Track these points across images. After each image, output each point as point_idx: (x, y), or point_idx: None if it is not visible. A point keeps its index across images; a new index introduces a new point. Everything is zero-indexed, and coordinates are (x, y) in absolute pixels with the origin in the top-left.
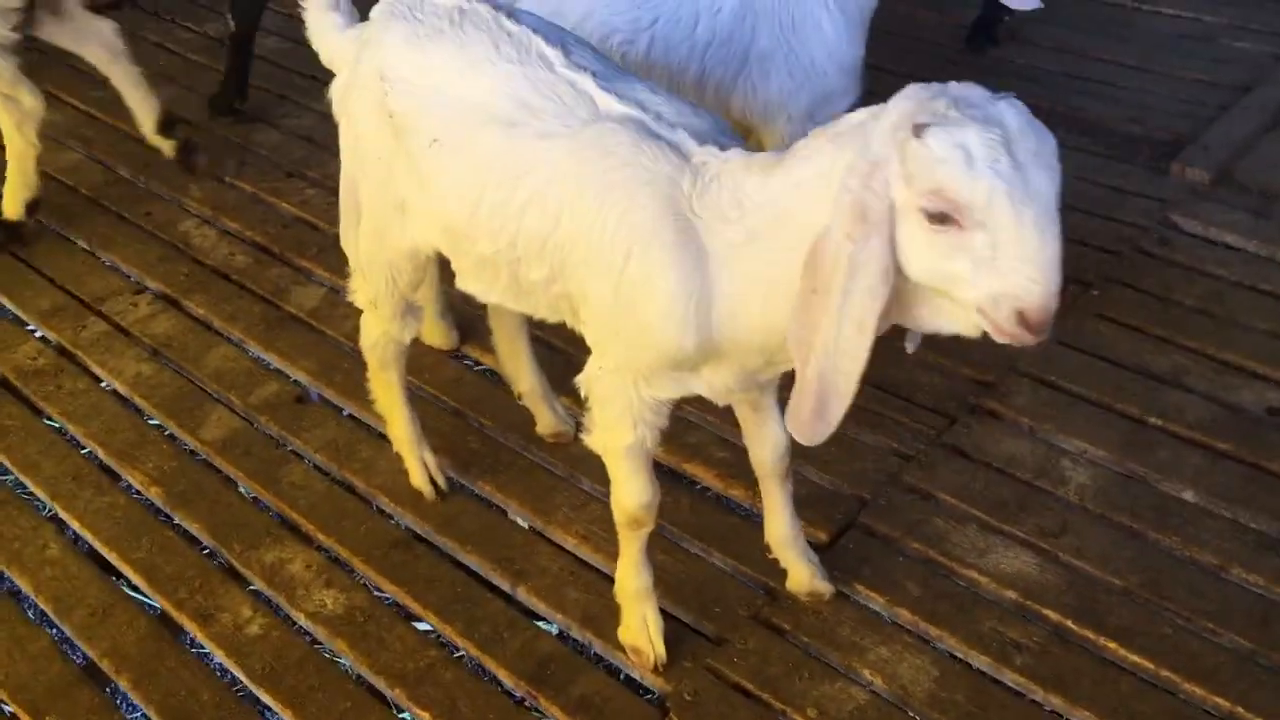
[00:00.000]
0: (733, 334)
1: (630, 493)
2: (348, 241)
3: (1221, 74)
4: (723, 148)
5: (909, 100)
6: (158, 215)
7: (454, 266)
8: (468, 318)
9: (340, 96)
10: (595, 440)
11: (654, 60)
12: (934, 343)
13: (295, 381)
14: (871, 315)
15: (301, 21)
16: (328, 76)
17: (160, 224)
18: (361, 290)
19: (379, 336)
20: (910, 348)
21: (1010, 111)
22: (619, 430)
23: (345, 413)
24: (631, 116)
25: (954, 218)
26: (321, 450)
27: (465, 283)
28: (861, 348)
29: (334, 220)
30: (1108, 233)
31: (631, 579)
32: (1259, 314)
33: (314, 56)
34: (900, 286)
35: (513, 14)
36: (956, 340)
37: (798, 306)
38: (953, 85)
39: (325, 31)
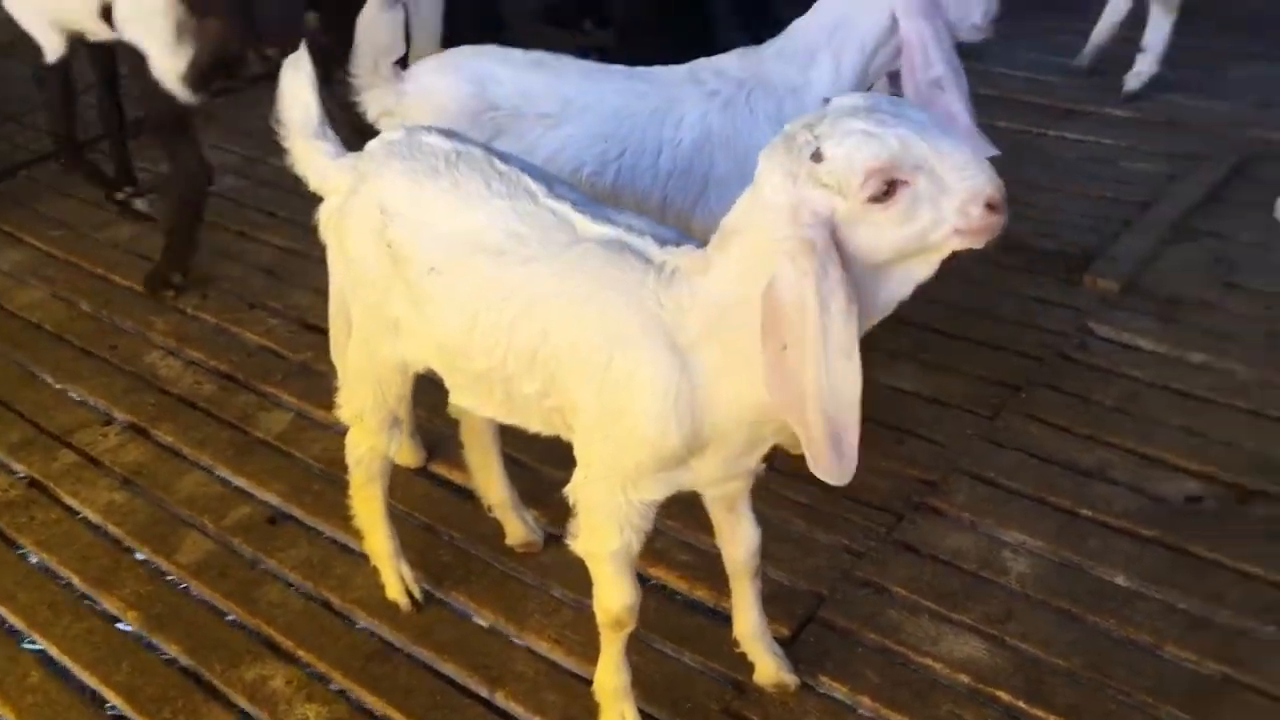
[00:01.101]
0: (714, 419)
1: (615, 595)
2: (338, 355)
3: (1123, 192)
4: (681, 246)
5: (779, 153)
6: (123, 348)
7: (448, 383)
8: (435, 436)
9: (332, 220)
10: (581, 546)
11: (620, 190)
12: (882, 446)
13: (266, 504)
14: (853, 337)
15: (256, 160)
16: (285, 212)
17: (126, 356)
18: (349, 404)
19: (365, 451)
20: None
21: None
22: (606, 536)
23: (318, 532)
24: (606, 235)
25: (896, 180)
26: (297, 569)
27: (460, 398)
28: (854, 372)
29: (298, 348)
30: (1031, 340)
31: (611, 677)
32: (1173, 411)
33: (271, 194)
34: (866, 288)
35: (504, 156)
36: (902, 443)
37: (771, 371)
38: (789, 125)
39: (314, 158)
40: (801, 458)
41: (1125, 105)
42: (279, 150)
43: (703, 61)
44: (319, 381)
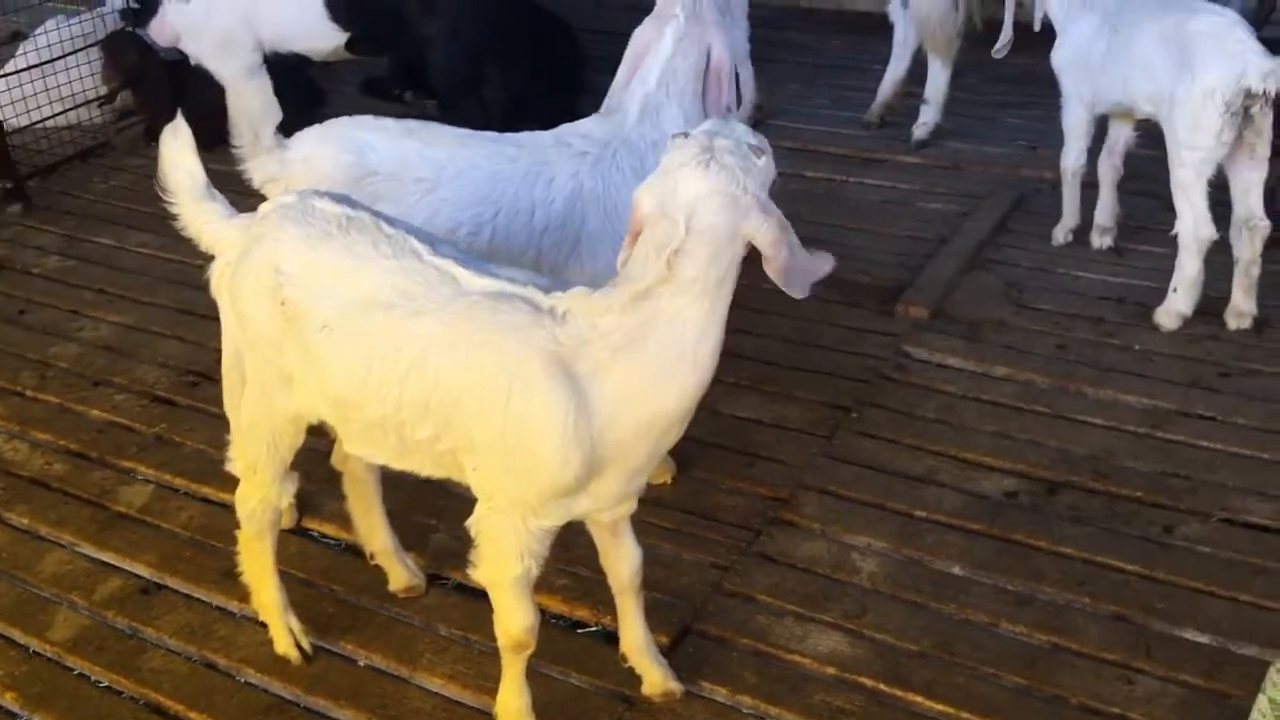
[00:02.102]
0: (616, 435)
1: (516, 619)
2: (230, 408)
3: (922, 230)
4: (563, 291)
5: (723, 154)
6: None
7: (341, 433)
8: (305, 495)
9: (224, 278)
10: (483, 574)
11: (496, 248)
12: (734, 470)
13: (137, 575)
14: None
15: (76, 238)
16: (116, 289)
17: None
18: (241, 457)
19: (257, 504)
20: None
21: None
22: (508, 563)
23: (194, 598)
24: (490, 288)
25: None
26: (177, 634)
27: (353, 446)
28: None
29: (151, 421)
30: (855, 365)
31: (514, 698)
32: (985, 419)
33: (100, 272)
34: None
35: (390, 220)
36: (752, 466)
37: (796, 280)
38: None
39: (206, 219)
40: (663, 485)
41: (915, 152)
42: (101, 228)
43: (566, 127)
44: (176, 451)
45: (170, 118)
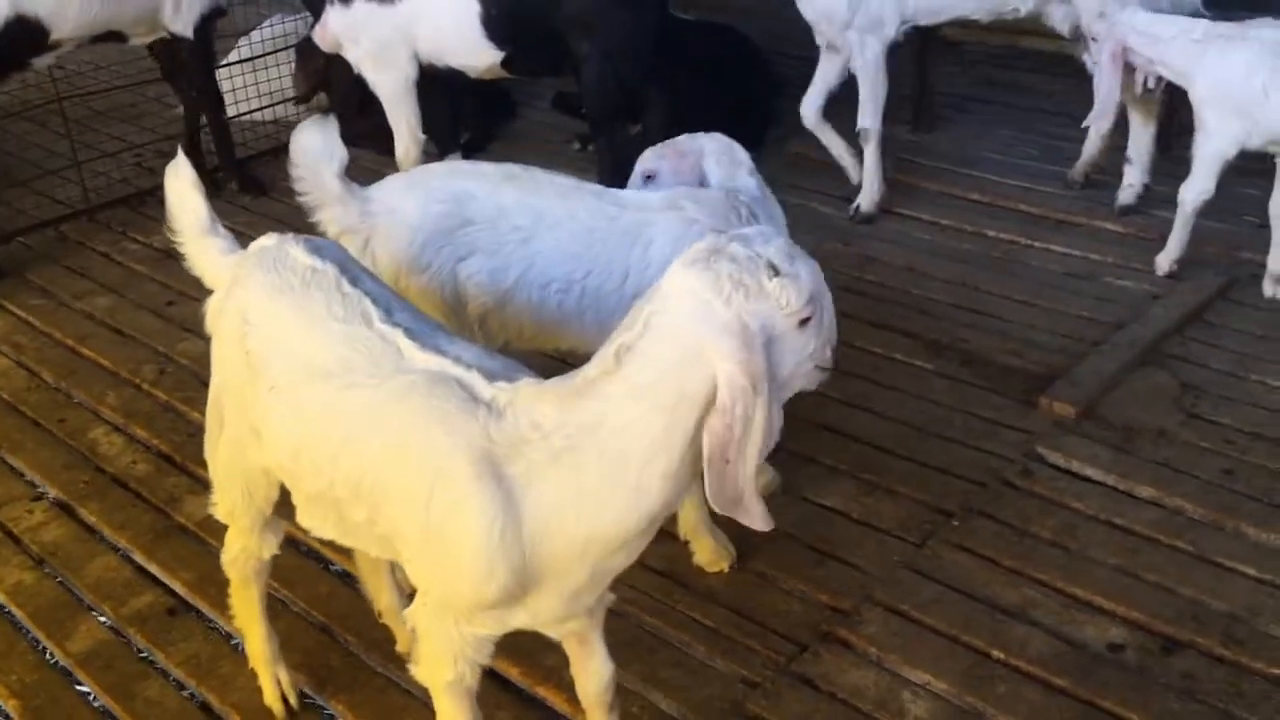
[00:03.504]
0: (550, 550)
1: None
2: (209, 451)
3: (1101, 311)
4: (512, 381)
5: (721, 265)
6: (71, 422)
7: (294, 499)
8: None
9: (213, 315)
10: (420, 673)
11: (585, 308)
12: (799, 568)
13: (171, 591)
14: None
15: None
16: None
17: (71, 431)
18: (221, 503)
19: (238, 552)
20: None
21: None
22: (440, 666)
23: (214, 627)
24: (430, 367)
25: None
26: (182, 665)
27: (302, 518)
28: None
29: None
30: (975, 463)
31: None
32: (1110, 549)
33: None
34: None
35: (356, 278)
36: (820, 565)
37: (716, 480)
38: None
39: (205, 253)
40: (718, 573)
41: (1118, 219)
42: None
43: (685, 191)
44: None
45: (355, 126)
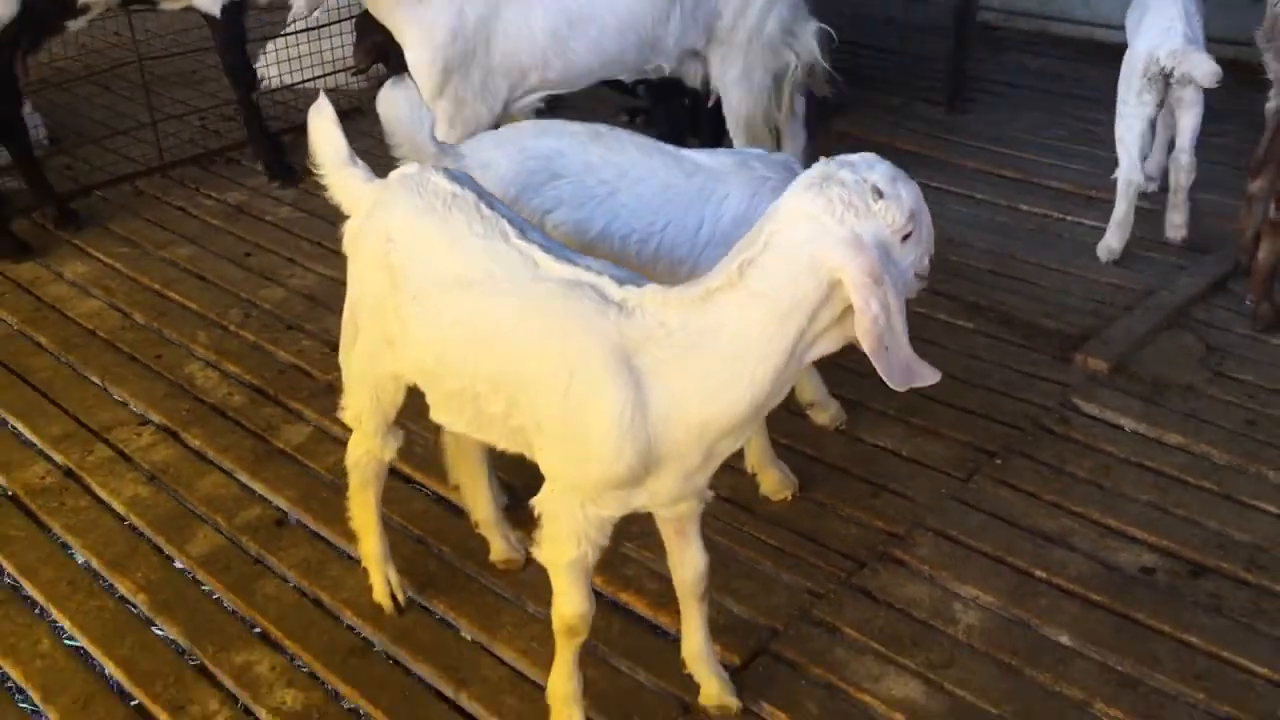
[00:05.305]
0: (671, 434)
1: (570, 603)
2: (344, 358)
3: (1130, 279)
4: (639, 286)
5: (832, 189)
6: (167, 357)
7: (428, 400)
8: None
9: (352, 237)
10: (543, 554)
11: (660, 257)
12: (856, 499)
13: (277, 507)
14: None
15: (311, 193)
16: (331, 243)
17: (168, 365)
18: (350, 408)
19: (362, 454)
20: None
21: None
22: (565, 546)
23: (320, 537)
24: (566, 275)
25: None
26: (295, 567)
27: (437, 414)
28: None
29: (327, 369)
30: (1015, 410)
31: (563, 683)
32: (1142, 487)
33: (323, 227)
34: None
35: (492, 203)
36: (876, 496)
37: (884, 364)
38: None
39: (347, 182)
40: (782, 501)
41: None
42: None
43: (755, 151)
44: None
45: None
